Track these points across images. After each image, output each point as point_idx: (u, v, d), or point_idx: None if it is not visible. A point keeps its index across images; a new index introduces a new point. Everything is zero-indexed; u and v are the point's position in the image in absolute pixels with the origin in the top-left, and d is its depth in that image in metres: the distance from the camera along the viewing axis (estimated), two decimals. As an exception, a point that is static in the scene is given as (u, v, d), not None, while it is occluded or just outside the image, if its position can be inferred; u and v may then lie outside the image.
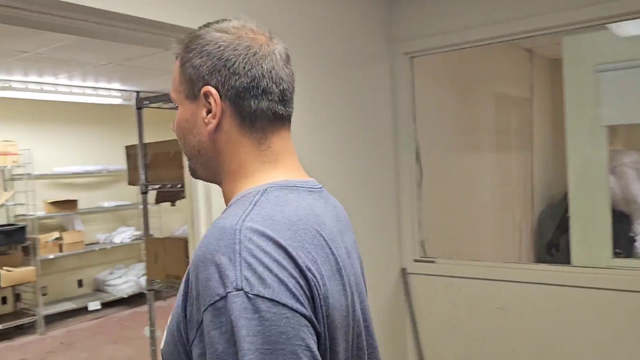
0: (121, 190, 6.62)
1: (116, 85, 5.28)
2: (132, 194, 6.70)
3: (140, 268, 6.51)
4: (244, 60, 0.75)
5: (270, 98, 0.76)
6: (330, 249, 0.73)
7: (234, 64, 0.75)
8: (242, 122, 0.76)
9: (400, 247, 2.79)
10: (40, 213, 5.51)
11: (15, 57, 3.77)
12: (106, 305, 5.98)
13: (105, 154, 6.41)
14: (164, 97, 2.16)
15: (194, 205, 1.69)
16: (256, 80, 0.75)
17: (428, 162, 2.87)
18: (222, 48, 0.75)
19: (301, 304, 0.64)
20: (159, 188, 2.14)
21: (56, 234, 5.62)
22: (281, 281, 0.63)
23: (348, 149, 2.44)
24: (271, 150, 0.78)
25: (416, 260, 2.78)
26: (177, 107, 0.81)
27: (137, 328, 5.45)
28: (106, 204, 6.21)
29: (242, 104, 0.75)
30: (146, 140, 2.22)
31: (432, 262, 2.75)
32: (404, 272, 2.78)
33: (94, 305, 5.84)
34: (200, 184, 1.69)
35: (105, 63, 4.16)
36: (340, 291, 0.72)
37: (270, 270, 0.64)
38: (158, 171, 2.15)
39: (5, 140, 5.32)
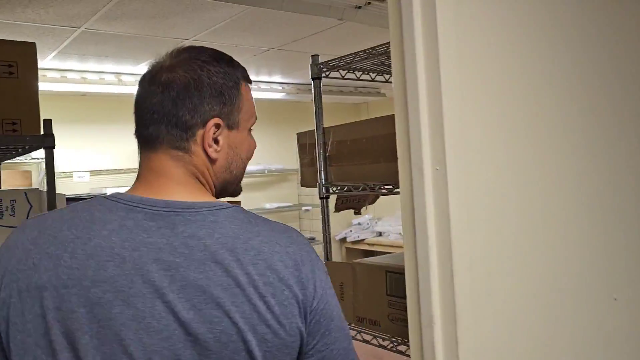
0: (282, 191, 6.31)
1: (277, 77, 4.89)
2: (292, 195, 6.38)
3: (302, 273, 6.14)
4: None
5: (136, 124, 0.87)
6: (84, 262, 0.73)
7: None
8: None
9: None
10: (205, 215, 5.34)
11: (173, 47, 3.45)
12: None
13: (265, 153, 6.13)
14: (350, 61, 1.49)
15: (417, 215, 1.00)
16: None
17: None
18: None
19: None
20: (348, 192, 1.47)
21: (220, 237, 5.43)
22: None
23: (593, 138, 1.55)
24: (139, 168, 0.86)
25: None
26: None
27: (301, 340, 5.04)
28: (268, 206, 5.91)
29: None
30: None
31: None
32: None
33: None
34: (429, 184, 1.00)
35: (267, 49, 3.70)
36: (49, 307, 0.72)
37: None
38: (344, 166, 1.49)
39: (172, 141, 5.23)
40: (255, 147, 0.99)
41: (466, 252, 0.99)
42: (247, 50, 3.68)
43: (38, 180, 4.65)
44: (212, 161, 0.86)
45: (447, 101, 0.98)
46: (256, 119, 0.97)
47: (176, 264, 0.74)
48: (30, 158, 4.40)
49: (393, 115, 1.24)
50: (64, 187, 4.70)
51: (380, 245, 6.15)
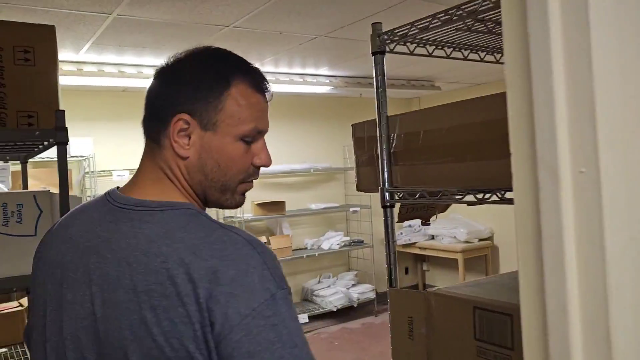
0: (328, 191, 5.99)
1: (324, 70, 4.57)
2: (339, 195, 6.06)
3: (349, 278, 5.80)
4: None
5: None
6: (60, 245, 0.83)
7: None
8: None
9: None
10: (248, 215, 5.09)
11: (214, 35, 3.19)
12: (313, 317, 5.39)
13: (311, 151, 5.83)
14: (424, 27, 1.14)
15: (547, 240, 0.66)
16: None
17: None
18: None
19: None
20: (420, 199, 1.12)
21: (264, 239, 5.17)
22: None
23: None
24: None
25: None
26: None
27: (348, 349, 4.72)
28: (313, 207, 5.61)
29: None
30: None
31: None
32: None
33: (302, 318, 5.27)
34: (568, 195, 0.66)
35: (314, 36, 3.38)
36: (41, 279, 0.84)
37: None
38: (415, 166, 1.14)
39: (214, 138, 5.01)
40: (256, 162, 0.86)
41: (631, 301, 0.64)
42: (292, 37, 3.38)
43: (77, 179, 4.51)
44: (182, 158, 0.81)
45: (600, 66, 0.62)
46: (258, 132, 0.86)
47: (106, 259, 0.76)
48: (69, 156, 4.24)
49: (492, 95, 0.90)
50: (103, 186, 4.55)
51: (433, 249, 5.75)
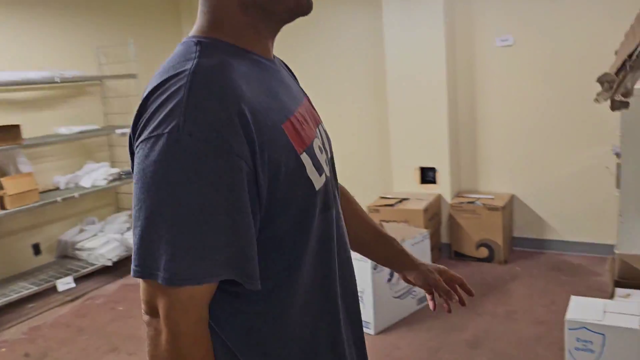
0: (81, 109, 4.45)
1: None
2: (95, 113, 4.55)
3: (122, 220, 4.52)
4: None
5: None
6: None
7: None
8: None
9: None
10: (-40, 150, 3.34)
11: None
12: (81, 279, 4.07)
13: (52, 53, 4.18)
14: None
15: None
16: None
17: None
18: None
19: None
20: None
21: (-9, 182, 3.51)
22: None
23: None
24: None
25: None
26: None
27: (139, 315, 3.63)
28: (64, 131, 4.08)
29: None
30: None
31: None
32: None
33: (64, 283, 3.88)
34: None
35: None
36: None
37: None
38: None
39: None
40: None
41: None
42: None
43: None
44: None
45: None
46: None
47: None
48: None
49: None
50: None
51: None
